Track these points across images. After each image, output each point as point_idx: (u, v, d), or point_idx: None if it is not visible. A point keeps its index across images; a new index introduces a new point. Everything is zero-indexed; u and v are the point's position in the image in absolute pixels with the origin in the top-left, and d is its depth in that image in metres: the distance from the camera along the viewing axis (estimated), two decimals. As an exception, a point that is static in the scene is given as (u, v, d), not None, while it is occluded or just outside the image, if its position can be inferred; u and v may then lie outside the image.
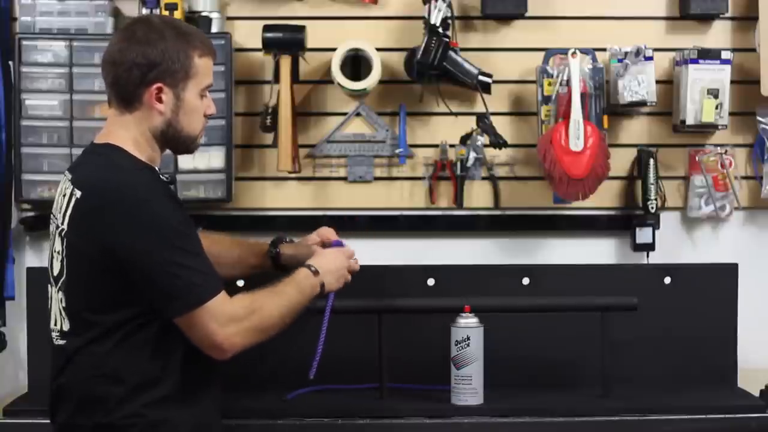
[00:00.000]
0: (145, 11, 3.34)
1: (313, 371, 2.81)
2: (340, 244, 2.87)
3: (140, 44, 2.51)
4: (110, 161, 2.52)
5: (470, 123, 3.43)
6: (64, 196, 2.53)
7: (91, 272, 2.46)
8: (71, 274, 2.49)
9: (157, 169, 2.58)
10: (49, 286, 2.56)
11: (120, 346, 2.45)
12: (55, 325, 2.54)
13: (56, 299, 2.53)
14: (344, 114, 3.49)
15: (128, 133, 2.55)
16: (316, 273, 2.71)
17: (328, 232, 2.92)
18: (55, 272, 2.53)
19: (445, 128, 3.48)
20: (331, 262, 2.78)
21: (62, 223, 2.51)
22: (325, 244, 2.89)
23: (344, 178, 3.49)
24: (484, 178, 3.49)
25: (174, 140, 2.59)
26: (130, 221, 2.42)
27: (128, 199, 2.44)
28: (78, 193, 2.48)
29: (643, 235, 3.46)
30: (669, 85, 3.48)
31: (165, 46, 2.52)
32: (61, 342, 2.52)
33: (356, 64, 3.44)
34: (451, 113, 3.44)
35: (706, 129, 3.46)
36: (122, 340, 2.45)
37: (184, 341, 2.49)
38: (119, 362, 2.46)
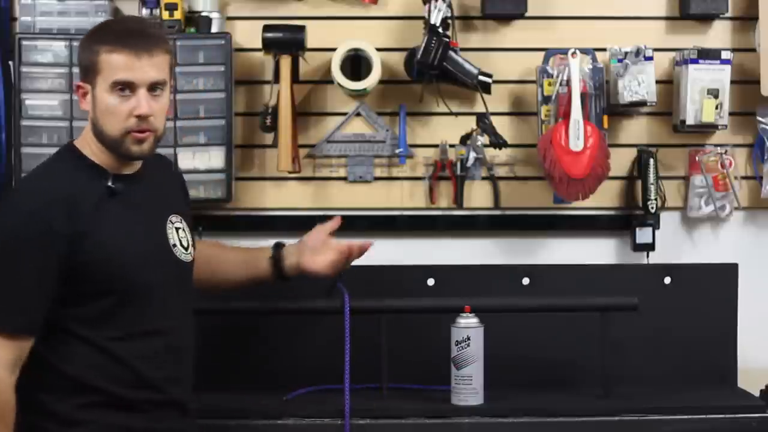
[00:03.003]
0: (145, 11, 3.34)
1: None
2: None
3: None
4: (47, 163, 2.59)
5: (470, 123, 3.43)
6: None
7: None
8: None
9: (111, 173, 2.55)
10: None
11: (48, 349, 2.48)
12: None
13: None
14: (344, 114, 3.49)
15: (87, 134, 2.59)
16: None
17: (328, 227, 2.97)
18: None
19: (445, 128, 3.48)
20: None
21: None
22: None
23: (344, 178, 3.49)
24: (484, 178, 3.49)
25: (103, 142, 2.56)
26: None
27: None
28: None
29: (643, 235, 3.46)
30: (669, 85, 3.48)
31: (81, 44, 2.56)
32: None
33: (356, 64, 3.44)
34: (451, 113, 3.44)
35: (706, 129, 3.46)
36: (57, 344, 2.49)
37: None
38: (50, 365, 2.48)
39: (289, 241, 3.08)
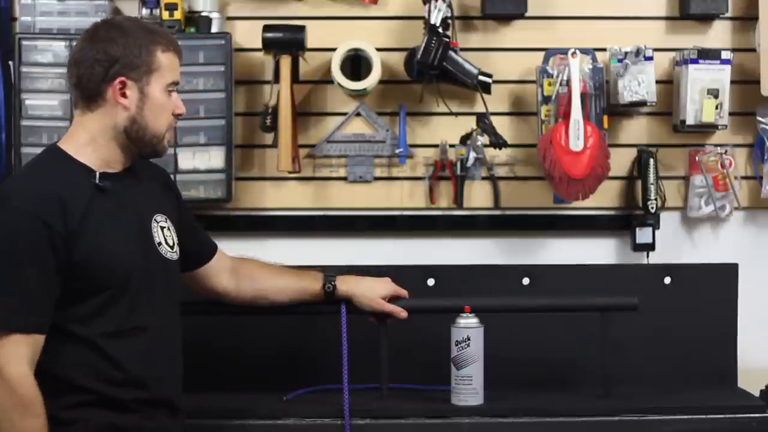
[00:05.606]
0: (145, 11, 3.34)
1: None
2: None
3: (101, 41, 2.53)
4: (32, 164, 2.57)
5: (470, 123, 3.43)
6: None
7: None
8: None
9: (97, 171, 2.53)
10: None
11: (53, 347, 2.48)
12: None
13: None
14: (344, 114, 3.49)
15: (86, 134, 2.56)
16: None
17: (397, 290, 3.02)
18: None
19: (445, 128, 3.48)
20: None
21: None
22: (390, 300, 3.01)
23: (344, 178, 3.49)
24: (484, 178, 3.49)
25: (139, 139, 2.57)
26: None
27: None
28: None
29: (643, 235, 3.46)
30: (669, 85, 3.48)
31: (126, 41, 2.53)
32: None
33: (356, 64, 3.44)
34: (451, 113, 3.44)
35: (706, 129, 3.46)
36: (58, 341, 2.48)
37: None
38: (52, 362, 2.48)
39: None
